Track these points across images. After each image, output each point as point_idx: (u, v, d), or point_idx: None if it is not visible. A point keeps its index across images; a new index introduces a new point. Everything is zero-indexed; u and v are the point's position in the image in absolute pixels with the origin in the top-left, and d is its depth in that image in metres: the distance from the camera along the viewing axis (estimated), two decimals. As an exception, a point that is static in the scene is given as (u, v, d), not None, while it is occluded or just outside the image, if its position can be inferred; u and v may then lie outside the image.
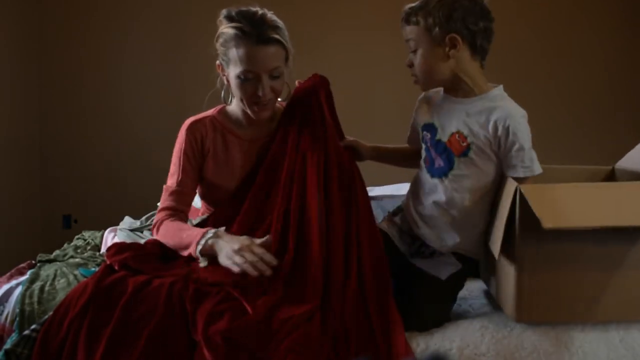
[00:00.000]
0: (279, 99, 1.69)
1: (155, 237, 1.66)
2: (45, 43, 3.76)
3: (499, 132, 1.42)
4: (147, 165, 3.71)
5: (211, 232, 1.51)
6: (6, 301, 1.54)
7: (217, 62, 1.63)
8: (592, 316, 1.38)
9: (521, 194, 1.31)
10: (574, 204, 1.31)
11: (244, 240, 1.47)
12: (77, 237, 2.29)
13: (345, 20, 3.66)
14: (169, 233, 1.60)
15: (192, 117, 1.73)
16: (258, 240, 1.46)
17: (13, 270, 1.77)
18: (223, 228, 1.55)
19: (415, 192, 1.58)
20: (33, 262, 1.84)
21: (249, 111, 1.62)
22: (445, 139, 1.48)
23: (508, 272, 1.40)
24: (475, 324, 1.40)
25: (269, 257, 1.42)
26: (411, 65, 1.51)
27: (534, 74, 3.66)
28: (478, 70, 1.50)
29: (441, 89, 1.55)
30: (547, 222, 1.25)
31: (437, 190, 1.50)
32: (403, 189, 1.92)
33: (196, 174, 1.69)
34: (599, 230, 1.32)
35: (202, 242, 1.49)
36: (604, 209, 1.31)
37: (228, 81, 1.63)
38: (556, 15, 3.66)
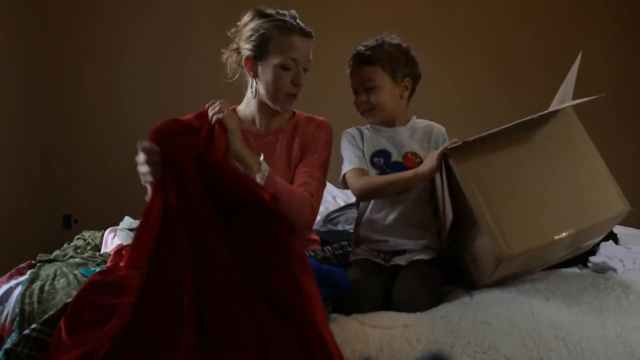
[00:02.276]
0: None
1: None
2: (45, 43, 3.77)
3: (440, 140, 1.74)
4: (147, 165, 3.71)
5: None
6: (6, 301, 1.54)
7: (245, 57, 1.70)
8: (558, 230, 1.46)
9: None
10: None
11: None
12: (77, 237, 2.29)
13: (345, 21, 3.66)
14: None
15: None
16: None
17: (13, 270, 1.77)
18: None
19: (371, 218, 1.76)
20: (33, 262, 1.84)
21: (277, 103, 1.72)
22: (400, 159, 1.74)
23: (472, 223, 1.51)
24: (477, 319, 1.40)
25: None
26: (362, 102, 1.74)
27: (537, 79, 3.65)
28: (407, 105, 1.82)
29: (364, 126, 1.81)
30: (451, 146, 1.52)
31: (399, 204, 1.72)
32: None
33: None
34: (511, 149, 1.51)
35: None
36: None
37: (257, 76, 1.71)
38: (560, 20, 3.66)
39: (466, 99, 3.61)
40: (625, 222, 2.42)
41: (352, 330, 1.41)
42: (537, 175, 1.52)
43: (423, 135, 1.77)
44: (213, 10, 3.43)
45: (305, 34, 1.69)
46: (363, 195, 1.74)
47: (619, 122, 3.57)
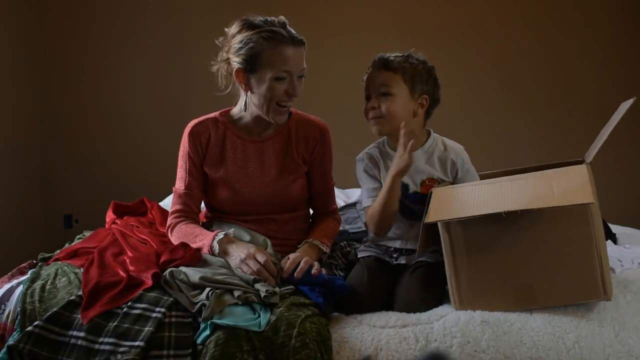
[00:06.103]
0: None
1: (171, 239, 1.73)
2: (46, 43, 3.78)
3: (457, 165, 1.69)
4: (147, 165, 3.72)
5: (221, 234, 1.60)
6: (7, 300, 1.54)
7: (235, 69, 1.64)
8: (526, 302, 1.43)
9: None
10: (465, 200, 1.48)
11: (250, 248, 1.56)
12: (78, 237, 2.29)
13: (344, 24, 3.66)
14: (183, 237, 1.68)
15: (195, 120, 1.76)
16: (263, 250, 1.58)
17: (14, 270, 1.77)
18: (232, 230, 1.64)
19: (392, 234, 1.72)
20: (34, 261, 1.85)
21: (269, 115, 1.66)
22: (418, 188, 1.69)
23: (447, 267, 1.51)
24: (476, 319, 1.41)
25: (271, 266, 1.52)
26: (372, 108, 1.66)
27: (537, 79, 3.66)
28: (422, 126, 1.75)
29: (374, 148, 1.76)
30: (428, 218, 1.45)
31: (416, 226, 1.65)
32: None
33: (202, 175, 1.74)
34: (496, 219, 1.39)
35: (216, 247, 1.60)
36: (487, 200, 1.45)
37: (250, 88, 1.65)
38: (559, 20, 3.66)
39: (466, 100, 3.61)
40: (624, 222, 2.42)
41: (351, 329, 1.43)
42: (518, 253, 1.44)
43: (439, 161, 1.70)
44: (214, 11, 3.44)
45: (297, 42, 1.60)
46: (379, 233, 1.70)
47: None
